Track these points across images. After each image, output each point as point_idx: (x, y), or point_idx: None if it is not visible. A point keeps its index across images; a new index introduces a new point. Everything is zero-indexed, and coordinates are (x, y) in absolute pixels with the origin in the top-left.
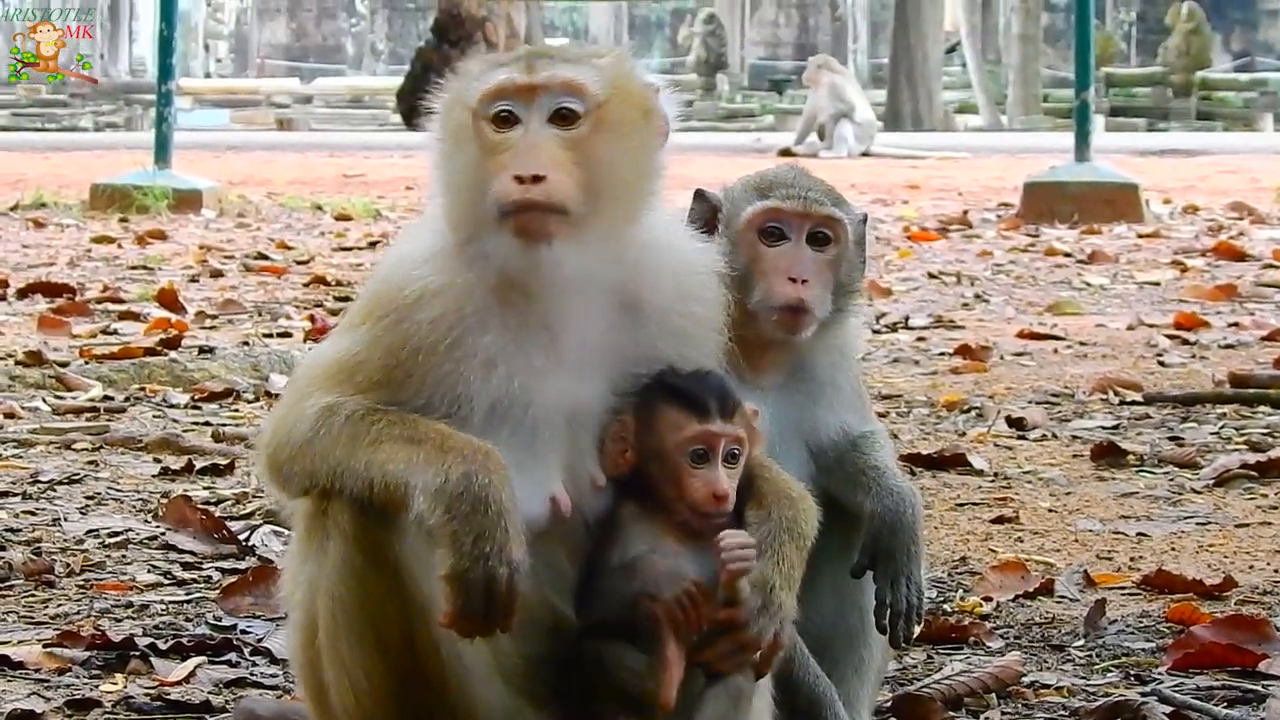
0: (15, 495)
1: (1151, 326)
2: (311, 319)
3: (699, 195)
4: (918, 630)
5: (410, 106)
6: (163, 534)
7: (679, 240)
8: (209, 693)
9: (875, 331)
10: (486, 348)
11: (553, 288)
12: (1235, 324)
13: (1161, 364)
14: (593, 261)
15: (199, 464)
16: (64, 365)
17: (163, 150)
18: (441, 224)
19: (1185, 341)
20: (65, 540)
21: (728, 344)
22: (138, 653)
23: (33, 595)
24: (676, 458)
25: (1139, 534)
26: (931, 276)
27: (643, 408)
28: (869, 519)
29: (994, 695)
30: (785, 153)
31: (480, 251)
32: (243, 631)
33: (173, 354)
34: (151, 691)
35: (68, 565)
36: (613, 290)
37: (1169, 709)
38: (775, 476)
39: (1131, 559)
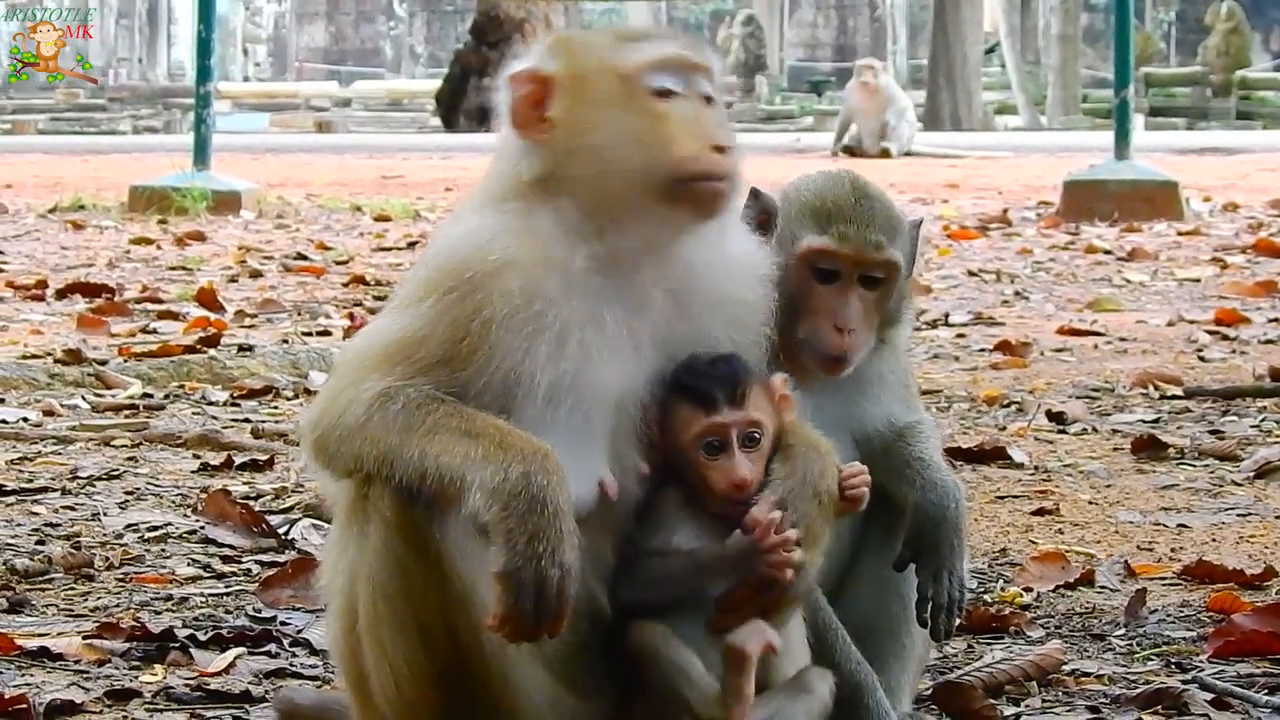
0: (55, 491)
1: (1192, 322)
2: (351, 317)
3: (754, 194)
4: (958, 623)
5: (449, 108)
6: (202, 528)
7: (734, 230)
8: (249, 683)
9: (915, 329)
10: (564, 322)
11: (651, 265)
12: (1275, 319)
13: (1202, 359)
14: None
15: (238, 460)
16: (103, 363)
17: (201, 152)
18: (521, 203)
19: (1225, 337)
20: (105, 535)
21: (772, 338)
22: (177, 644)
23: (72, 588)
24: (692, 453)
25: (1179, 525)
26: (971, 274)
27: (660, 406)
28: (912, 512)
29: (1035, 683)
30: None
31: (615, 218)
32: (282, 623)
33: (212, 352)
34: (191, 682)
35: (107, 559)
36: (678, 275)
37: (1210, 696)
38: (802, 430)
39: (1172, 550)
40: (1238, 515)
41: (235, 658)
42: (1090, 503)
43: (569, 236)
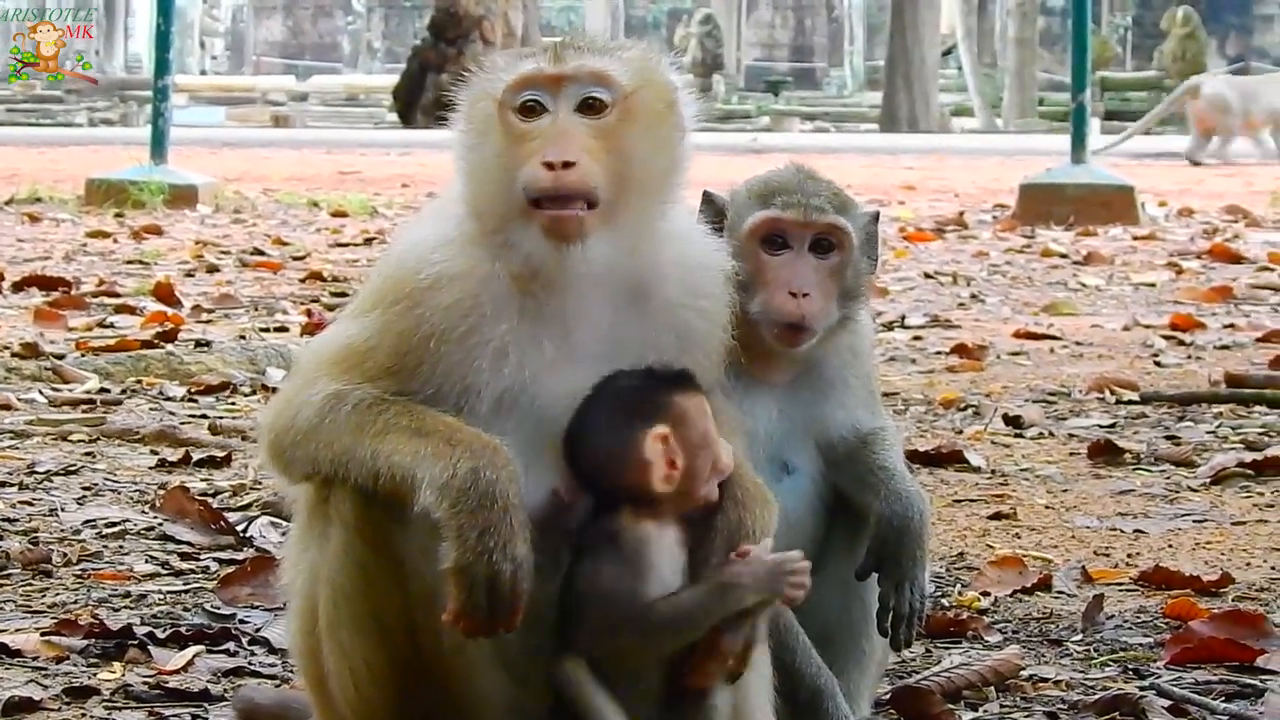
0: (12, 486)
1: (1147, 327)
2: (308, 314)
3: (706, 198)
4: (917, 632)
5: (407, 104)
6: (160, 525)
7: (691, 235)
8: (208, 681)
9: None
10: (501, 337)
11: (574, 279)
12: (1231, 325)
13: (1158, 364)
14: (616, 255)
15: (196, 456)
16: (60, 357)
17: (159, 146)
18: (461, 211)
19: (1181, 342)
20: (62, 530)
21: (732, 342)
22: (136, 641)
23: (30, 584)
24: (712, 438)
25: (1136, 531)
26: (928, 276)
27: (673, 409)
28: (876, 522)
29: (993, 688)
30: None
31: (505, 241)
32: (241, 621)
33: (169, 347)
34: (150, 680)
35: (65, 555)
36: (625, 283)
37: (1167, 703)
38: (739, 475)
39: (1129, 555)
40: (1194, 521)
41: (194, 656)
42: (1047, 507)
43: (495, 251)
